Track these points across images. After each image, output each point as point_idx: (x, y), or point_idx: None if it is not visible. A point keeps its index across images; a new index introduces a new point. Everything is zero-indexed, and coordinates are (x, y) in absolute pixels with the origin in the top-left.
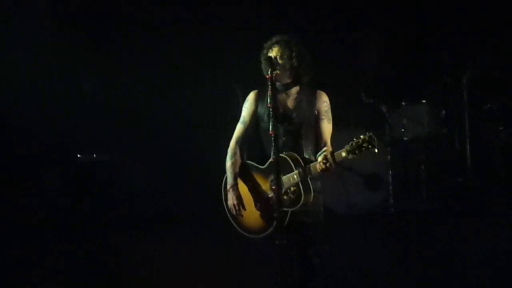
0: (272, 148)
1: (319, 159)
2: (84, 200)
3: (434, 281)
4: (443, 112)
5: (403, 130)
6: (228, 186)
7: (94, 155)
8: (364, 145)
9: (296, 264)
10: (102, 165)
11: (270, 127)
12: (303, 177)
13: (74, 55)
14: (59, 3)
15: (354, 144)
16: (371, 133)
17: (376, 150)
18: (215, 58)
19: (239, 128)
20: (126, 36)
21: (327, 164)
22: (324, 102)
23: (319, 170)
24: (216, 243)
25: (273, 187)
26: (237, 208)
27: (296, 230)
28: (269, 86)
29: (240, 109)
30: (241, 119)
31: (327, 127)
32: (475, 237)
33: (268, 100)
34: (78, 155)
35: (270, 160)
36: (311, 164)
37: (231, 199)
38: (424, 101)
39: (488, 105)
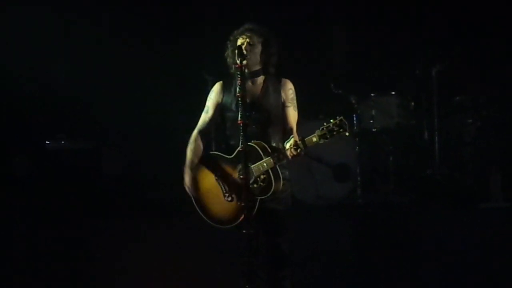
0: (241, 137)
1: (287, 145)
2: (55, 187)
3: (399, 271)
4: (412, 104)
5: (371, 121)
6: (185, 168)
7: (63, 142)
8: (335, 129)
9: (264, 252)
10: (73, 151)
11: (239, 116)
12: (273, 164)
13: (47, 39)
14: None
15: (325, 128)
16: (341, 117)
17: (347, 134)
18: (189, 48)
19: (202, 118)
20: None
21: (298, 150)
22: (289, 90)
23: (289, 156)
24: (187, 231)
25: (241, 177)
26: (191, 189)
27: (265, 218)
28: (238, 75)
29: None
30: (205, 108)
31: (293, 114)
32: (442, 228)
33: (237, 89)
34: (47, 142)
35: (238, 149)
36: (281, 151)
37: (186, 180)
38: (393, 92)
39: (458, 98)
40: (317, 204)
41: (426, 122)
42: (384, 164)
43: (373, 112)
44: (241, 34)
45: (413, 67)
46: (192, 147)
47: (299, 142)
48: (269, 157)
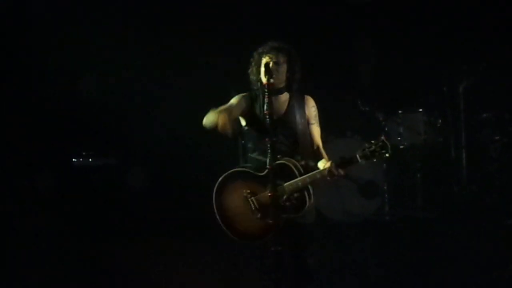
0: (269, 155)
1: (322, 165)
2: (80, 204)
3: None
4: (440, 120)
5: (399, 138)
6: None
7: (90, 159)
8: (378, 150)
9: (289, 267)
10: (98, 168)
11: (266, 132)
12: (307, 183)
13: (71, 56)
14: None
15: (367, 149)
16: (383, 138)
17: (388, 155)
18: (213, 63)
19: (223, 106)
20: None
21: (341, 171)
22: (312, 107)
23: (329, 177)
24: (214, 247)
25: (269, 194)
26: (216, 204)
27: (290, 232)
28: (266, 93)
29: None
30: (228, 104)
31: (317, 132)
32: (469, 245)
33: (265, 107)
34: (74, 159)
35: (268, 167)
36: (317, 171)
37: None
38: (420, 109)
39: (485, 114)
40: (344, 220)
41: (453, 139)
42: (411, 181)
43: (401, 129)
44: (266, 53)
45: (440, 84)
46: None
47: (341, 163)
48: (305, 177)
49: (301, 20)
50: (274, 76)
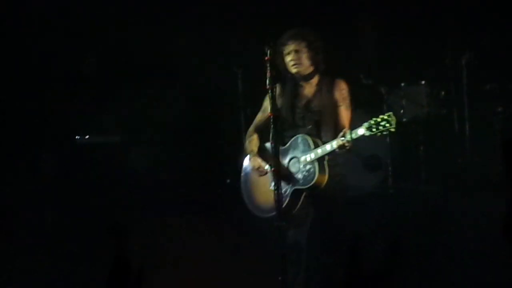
0: (271, 130)
1: (340, 135)
2: (84, 183)
3: (432, 261)
4: (442, 93)
5: (402, 111)
6: (248, 159)
7: (93, 137)
8: (382, 123)
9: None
10: (101, 147)
11: (269, 109)
12: (319, 155)
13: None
14: None
15: (372, 122)
16: (390, 113)
17: (393, 130)
18: (217, 41)
19: (258, 117)
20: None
21: (344, 141)
22: (342, 90)
23: (336, 147)
24: (218, 226)
25: (273, 168)
26: (259, 169)
27: (316, 210)
28: (268, 68)
29: (241, 93)
30: (262, 108)
31: (345, 114)
32: (474, 217)
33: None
34: (77, 137)
35: (291, 140)
36: (328, 143)
37: (253, 165)
38: (423, 82)
39: (488, 86)
40: (348, 194)
41: (456, 111)
42: (414, 153)
43: (403, 102)
44: (285, 43)
45: (442, 56)
46: (249, 140)
47: (347, 132)
48: (317, 149)
49: None
50: (298, 64)
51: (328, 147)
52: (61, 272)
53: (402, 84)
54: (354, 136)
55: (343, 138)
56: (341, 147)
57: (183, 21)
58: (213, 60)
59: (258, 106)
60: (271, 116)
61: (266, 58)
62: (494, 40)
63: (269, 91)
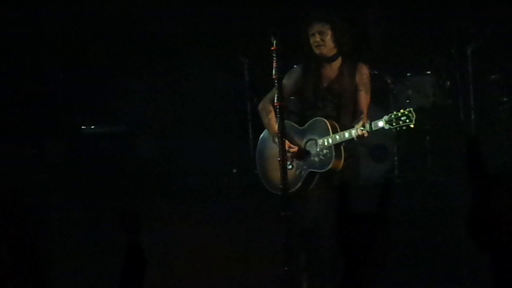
0: (277, 119)
1: (356, 126)
2: (90, 172)
3: (438, 250)
4: (448, 83)
5: (408, 101)
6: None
7: (99, 127)
8: (403, 118)
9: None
10: (107, 136)
11: (275, 98)
12: (337, 141)
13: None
14: None
15: (393, 116)
16: (411, 109)
17: (412, 126)
18: (222, 30)
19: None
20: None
21: (364, 131)
22: (364, 74)
23: (354, 136)
24: (224, 214)
25: (278, 159)
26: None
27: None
28: (274, 57)
29: (246, 82)
30: (282, 84)
31: (364, 98)
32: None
33: (273, 72)
34: (83, 127)
35: (310, 122)
36: (346, 130)
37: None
38: (428, 72)
39: (493, 76)
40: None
41: (462, 101)
42: (420, 143)
43: (409, 92)
44: (310, 24)
45: (448, 46)
46: (270, 117)
47: (366, 124)
48: (335, 134)
49: None
50: (321, 46)
51: (346, 134)
52: (70, 264)
53: (408, 74)
54: (374, 127)
55: (362, 128)
56: (359, 137)
57: (188, 10)
58: (219, 49)
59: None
60: (278, 106)
61: (272, 48)
62: (500, 30)
63: (276, 81)
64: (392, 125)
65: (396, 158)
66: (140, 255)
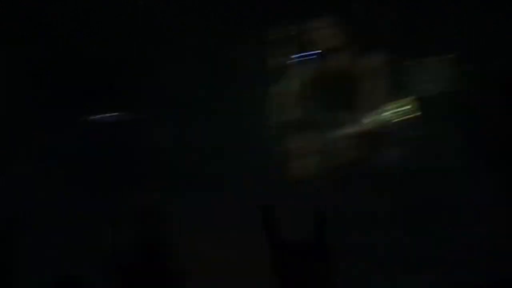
0: (292, 110)
1: (364, 118)
2: (106, 160)
3: (455, 238)
4: (464, 67)
5: (426, 86)
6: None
7: (117, 113)
8: (404, 108)
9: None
10: (125, 123)
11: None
12: (349, 135)
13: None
14: None
15: (394, 106)
16: (412, 97)
17: (415, 114)
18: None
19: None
20: None
21: (369, 124)
22: (375, 64)
23: (360, 129)
24: (240, 203)
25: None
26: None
27: None
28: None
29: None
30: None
31: (378, 89)
32: (500, 194)
33: (285, 60)
34: (101, 114)
35: (323, 115)
36: (356, 122)
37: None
38: (448, 57)
39: None
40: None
41: (481, 86)
42: (439, 129)
43: (428, 77)
44: (316, 18)
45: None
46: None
47: (375, 115)
48: (346, 126)
49: None
50: (329, 39)
51: (356, 127)
52: (88, 256)
53: (427, 59)
54: (378, 119)
55: (368, 121)
56: (366, 128)
57: None
58: (235, 34)
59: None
60: (290, 96)
61: (285, 36)
62: None
63: (287, 69)
64: (395, 114)
65: (412, 144)
66: (164, 248)
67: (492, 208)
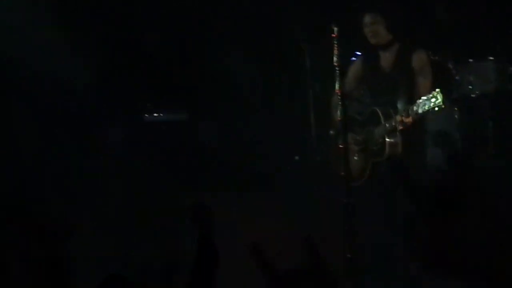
0: (339, 108)
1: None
2: (151, 160)
3: (498, 236)
4: (510, 68)
5: (470, 87)
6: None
7: (161, 114)
8: (432, 100)
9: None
10: (169, 124)
11: (337, 86)
12: (388, 130)
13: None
14: None
15: (421, 100)
16: (438, 90)
17: (443, 106)
18: (281, 16)
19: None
20: None
21: (403, 118)
22: (421, 60)
23: (395, 124)
24: (287, 201)
25: (340, 146)
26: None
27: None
28: (335, 43)
29: (308, 69)
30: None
31: (421, 83)
32: None
33: (335, 59)
34: (146, 115)
35: (367, 112)
36: (392, 119)
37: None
38: (491, 57)
39: None
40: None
41: None
42: (483, 129)
43: (471, 78)
44: (362, 15)
45: (510, 32)
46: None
47: (409, 111)
48: (384, 123)
49: None
50: (374, 36)
51: (393, 122)
52: (132, 255)
53: (470, 60)
54: (411, 113)
55: (403, 115)
56: (402, 124)
57: None
58: (282, 35)
59: (326, 83)
60: (339, 93)
61: (333, 35)
62: None
63: (337, 68)
64: (425, 109)
65: (458, 144)
66: (212, 248)
67: None
